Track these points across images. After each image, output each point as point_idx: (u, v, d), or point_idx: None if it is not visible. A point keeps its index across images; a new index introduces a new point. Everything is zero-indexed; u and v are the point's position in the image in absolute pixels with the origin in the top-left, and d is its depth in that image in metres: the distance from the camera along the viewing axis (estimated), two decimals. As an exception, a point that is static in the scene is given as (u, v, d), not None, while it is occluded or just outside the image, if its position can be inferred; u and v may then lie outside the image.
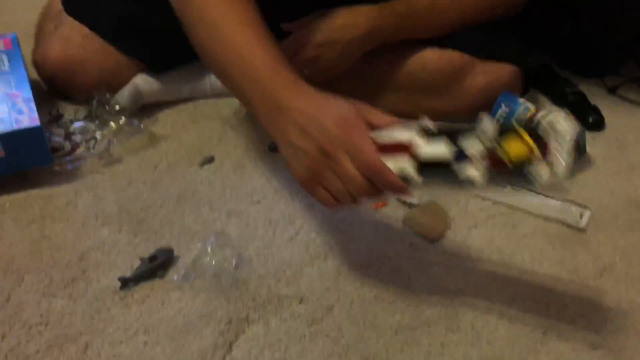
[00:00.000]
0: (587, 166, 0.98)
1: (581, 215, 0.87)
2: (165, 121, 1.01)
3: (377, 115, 0.64)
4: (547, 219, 0.87)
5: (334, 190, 0.62)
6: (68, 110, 0.99)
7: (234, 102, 1.06)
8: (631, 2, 1.11)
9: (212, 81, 1.04)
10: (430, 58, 0.95)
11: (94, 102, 0.96)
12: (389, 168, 0.61)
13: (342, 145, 0.60)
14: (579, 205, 0.89)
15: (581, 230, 0.85)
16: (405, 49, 0.96)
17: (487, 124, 0.63)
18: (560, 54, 1.22)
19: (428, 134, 0.64)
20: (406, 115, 1.00)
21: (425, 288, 0.76)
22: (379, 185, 0.61)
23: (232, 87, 0.71)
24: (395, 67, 0.96)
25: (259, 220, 0.84)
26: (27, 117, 0.83)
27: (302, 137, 0.62)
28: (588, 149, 0.99)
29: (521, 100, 0.97)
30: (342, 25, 0.89)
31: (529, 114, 0.95)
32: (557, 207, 0.88)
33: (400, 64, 0.96)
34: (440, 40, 0.96)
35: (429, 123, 0.65)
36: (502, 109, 0.97)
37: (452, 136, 0.63)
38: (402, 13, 0.91)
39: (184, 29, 0.75)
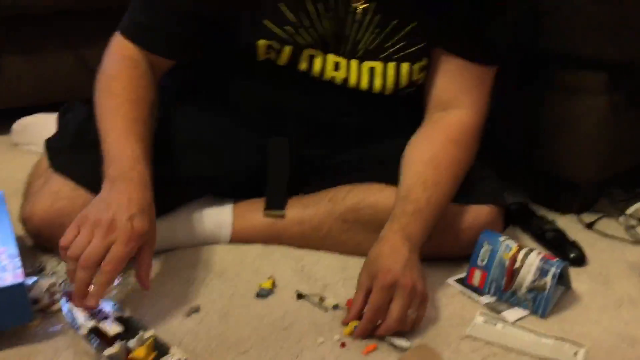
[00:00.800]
0: (574, 302, 0.97)
1: (576, 354, 0.85)
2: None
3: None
4: (542, 358, 0.85)
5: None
6: (52, 262, 0.98)
7: (218, 250, 1.06)
8: (596, 147, 1.18)
9: (198, 229, 1.05)
10: None
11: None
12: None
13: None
14: (573, 342, 0.87)
15: (578, 369, 0.83)
16: (386, 190, 1.00)
17: None
18: (535, 190, 1.27)
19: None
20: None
21: None
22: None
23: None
24: (379, 209, 0.99)
25: (247, 372, 0.80)
26: (11, 273, 0.82)
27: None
28: (573, 284, 1.00)
29: (502, 238, 0.99)
30: (389, 256, 0.87)
31: (511, 252, 0.97)
32: (550, 345, 0.87)
33: (383, 206, 0.98)
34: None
35: None
36: (485, 248, 0.99)
37: None
38: (411, 211, 0.92)
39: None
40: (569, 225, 1.18)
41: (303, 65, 0.99)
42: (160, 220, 1.02)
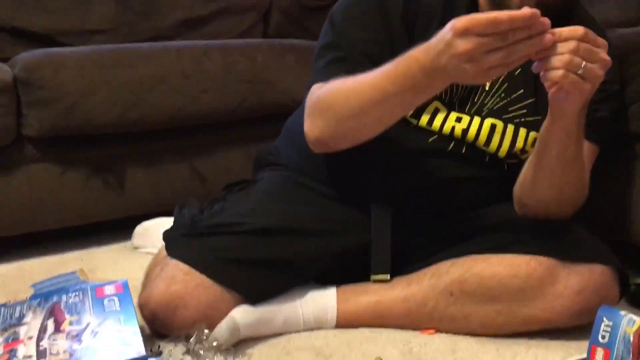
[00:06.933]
0: None
1: None
2: (259, 356, 1.02)
3: None
4: None
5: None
6: (168, 346, 1.02)
7: (324, 335, 1.07)
8: None
9: (304, 314, 1.07)
10: (519, 263, 0.97)
11: (193, 339, 1.00)
12: None
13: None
14: None
15: None
16: (491, 258, 0.98)
17: None
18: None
19: None
20: (504, 330, 1.00)
21: None
22: None
23: (390, 105, 0.93)
24: (485, 278, 0.97)
25: None
26: (134, 349, 0.87)
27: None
28: None
29: (623, 312, 0.93)
30: None
31: (635, 326, 0.90)
32: None
33: (490, 274, 0.97)
34: (523, 247, 0.98)
35: None
36: (605, 323, 0.93)
37: None
38: None
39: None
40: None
41: (424, 119, 1.04)
42: (264, 305, 1.05)
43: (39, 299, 1.01)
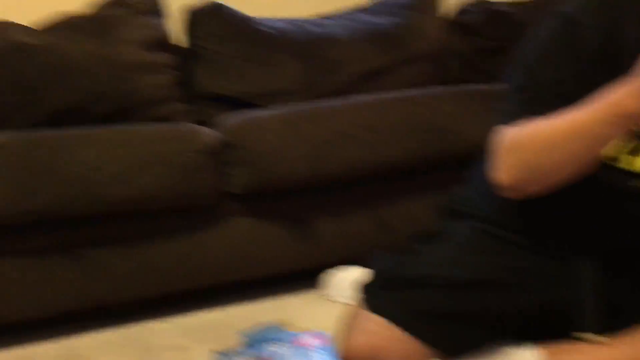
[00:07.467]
0: None
1: None
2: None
3: None
4: None
5: None
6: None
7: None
8: None
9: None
10: None
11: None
12: None
13: None
14: None
15: None
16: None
17: None
18: None
19: None
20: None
21: None
22: None
23: (586, 138, 0.89)
24: None
25: None
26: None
27: None
28: None
29: None
30: None
31: None
32: None
33: None
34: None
35: None
36: None
37: None
38: None
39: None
40: None
41: (625, 159, 0.98)
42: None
43: (250, 349, 1.09)
